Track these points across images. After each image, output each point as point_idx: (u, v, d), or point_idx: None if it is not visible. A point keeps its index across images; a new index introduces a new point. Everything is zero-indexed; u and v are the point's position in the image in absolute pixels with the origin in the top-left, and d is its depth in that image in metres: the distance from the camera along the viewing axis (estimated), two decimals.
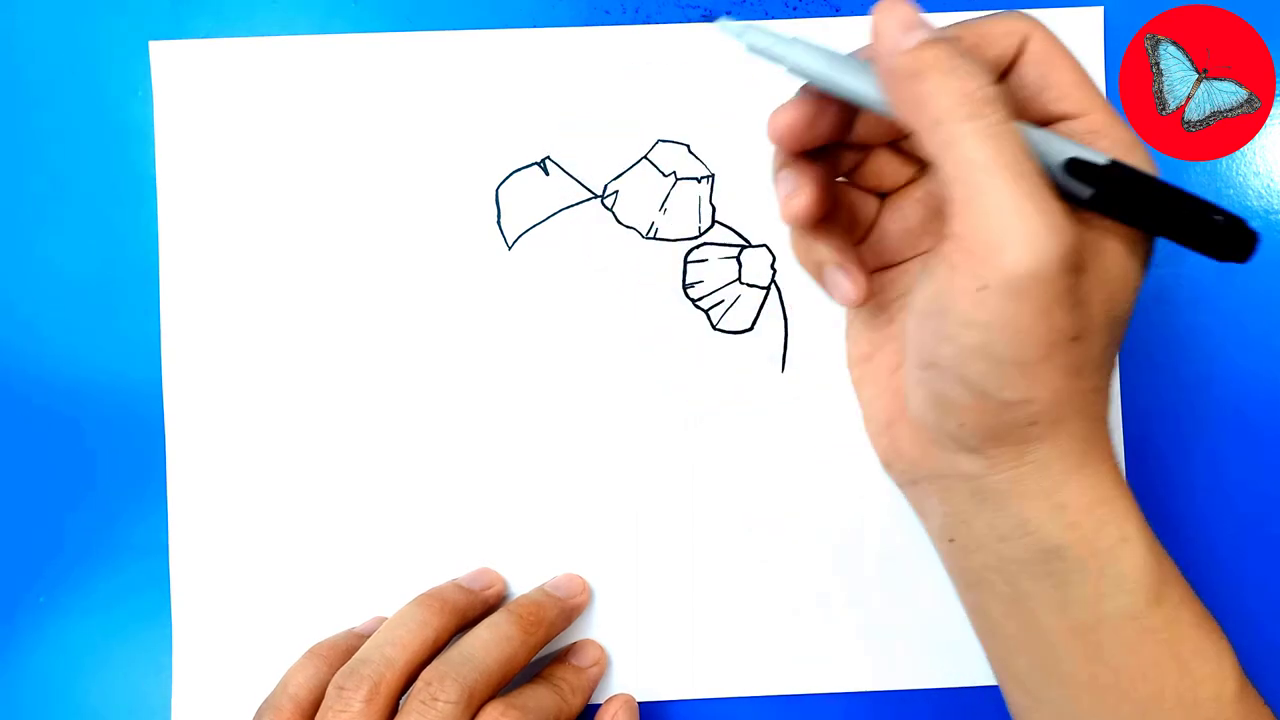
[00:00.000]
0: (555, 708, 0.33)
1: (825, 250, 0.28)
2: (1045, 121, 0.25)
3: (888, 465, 0.30)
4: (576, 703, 0.34)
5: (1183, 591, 0.27)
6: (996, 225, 0.23)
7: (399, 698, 0.32)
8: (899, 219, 0.29)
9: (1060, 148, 0.24)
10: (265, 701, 0.33)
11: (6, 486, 0.37)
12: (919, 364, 0.26)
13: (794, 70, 0.26)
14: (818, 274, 0.29)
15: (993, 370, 0.24)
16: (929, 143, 0.23)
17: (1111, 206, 0.24)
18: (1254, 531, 0.37)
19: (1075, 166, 0.24)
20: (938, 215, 0.28)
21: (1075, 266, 0.23)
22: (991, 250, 0.23)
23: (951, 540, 0.28)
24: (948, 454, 0.26)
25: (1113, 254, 0.24)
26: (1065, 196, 0.23)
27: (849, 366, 0.31)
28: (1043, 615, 0.27)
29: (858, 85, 0.25)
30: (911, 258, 0.29)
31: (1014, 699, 0.29)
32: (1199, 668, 0.26)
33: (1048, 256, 0.22)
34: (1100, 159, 0.24)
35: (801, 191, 0.26)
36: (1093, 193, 0.24)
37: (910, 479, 0.29)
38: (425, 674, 0.31)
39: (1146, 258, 0.25)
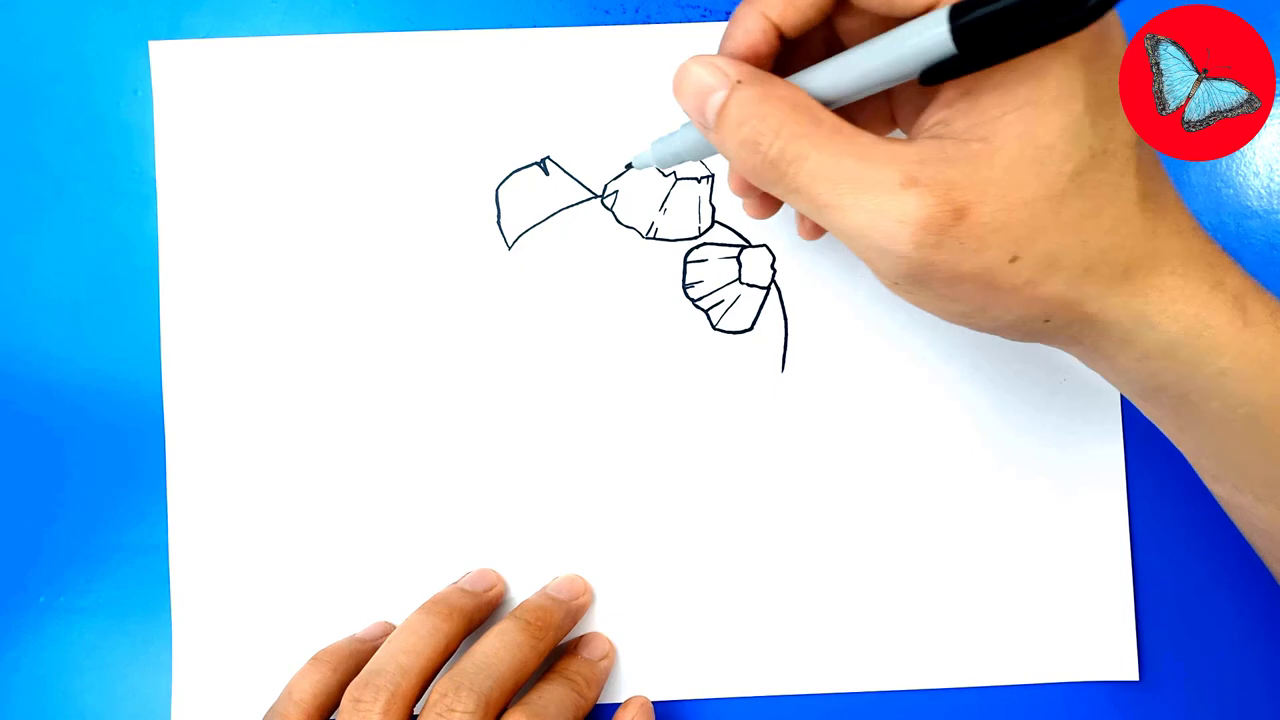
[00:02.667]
0: (574, 705, 0.33)
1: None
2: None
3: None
4: (592, 695, 0.34)
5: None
6: (859, 249, 0.25)
7: (414, 707, 0.31)
8: None
9: (907, 60, 0.24)
10: (271, 709, 0.33)
11: (6, 486, 0.37)
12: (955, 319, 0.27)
13: (691, 155, 0.30)
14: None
15: (984, 318, 0.26)
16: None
17: (981, 58, 0.23)
18: None
19: (927, 74, 0.24)
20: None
21: (939, 227, 0.24)
22: (872, 265, 0.26)
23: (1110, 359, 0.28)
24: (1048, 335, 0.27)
25: (1017, 121, 0.24)
26: (953, 72, 0.23)
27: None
28: (1183, 444, 0.29)
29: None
30: None
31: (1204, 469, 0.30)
32: None
33: (906, 254, 0.24)
34: (935, 45, 0.23)
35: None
36: (957, 64, 0.23)
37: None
38: (439, 686, 0.31)
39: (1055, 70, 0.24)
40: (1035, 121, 0.23)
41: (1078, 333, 0.26)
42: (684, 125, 0.29)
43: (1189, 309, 0.25)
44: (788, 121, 0.25)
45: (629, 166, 0.33)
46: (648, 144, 0.31)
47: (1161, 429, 0.29)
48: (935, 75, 0.23)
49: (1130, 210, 0.25)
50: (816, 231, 0.31)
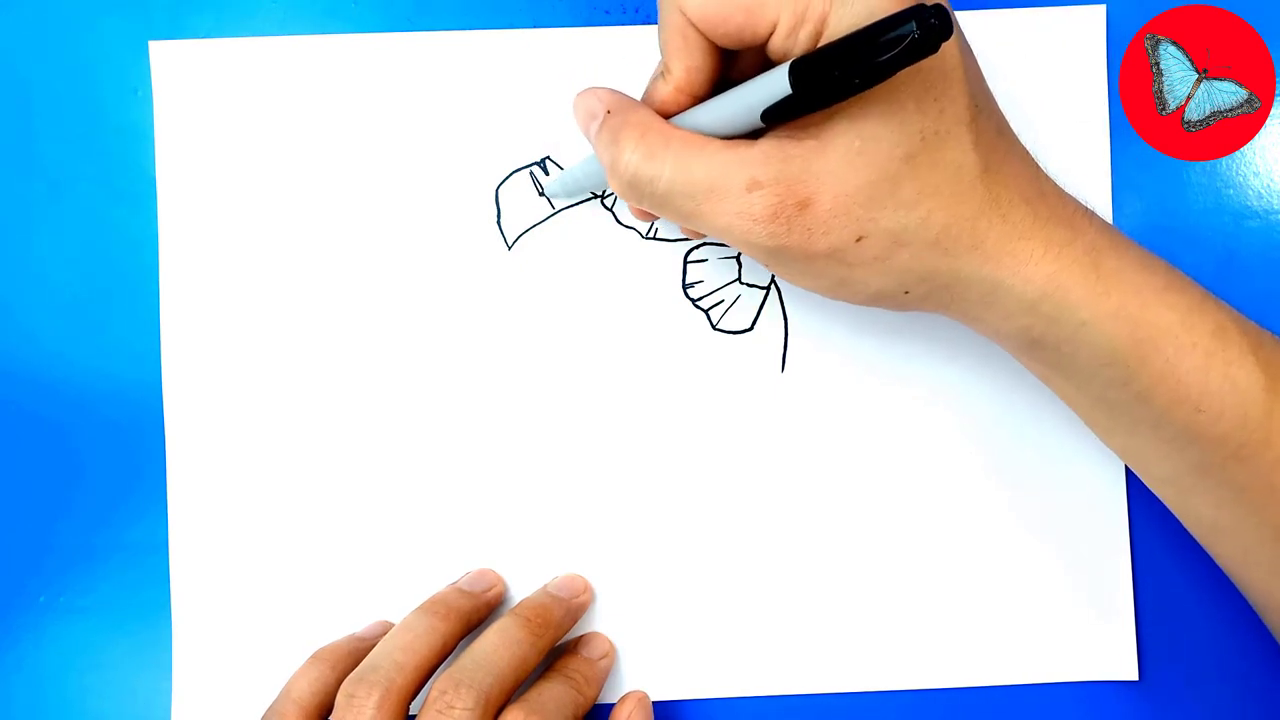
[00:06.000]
0: (573, 702, 0.33)
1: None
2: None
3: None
4: (591, 694, 0.34)
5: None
6: (728, 241, 0.28)
7: (409, 704, 0.31)
8: None
9: (754, 102, 0.26)
10: (270, 708, 0.33)
11: (6, 486, 0.37)
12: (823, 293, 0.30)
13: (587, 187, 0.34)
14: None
15: (848, 290, 0.28)
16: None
17: (820, 100, 0.25)
18: None
19: (768, 114, 0.26)
20: None
21: (786, 219, 0.26)
22: (744, 252, 0.28)
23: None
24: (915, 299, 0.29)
25: (841, 139, 0.26)
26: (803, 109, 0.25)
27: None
28: (1061, 387, 0.31)
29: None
30: None
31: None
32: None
33: (763, 244, 0.27)
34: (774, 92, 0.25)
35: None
36: (793, 106, 0.25)
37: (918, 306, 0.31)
38: (439, 682, 0.31)
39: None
40: (860, 116, 0.26)
41: (941, 300, 0.29)
42: (588, 157, 0.32)
43: (1041, 270, 0.27)
44: (640, 143, 0.28)
45: (541, 194, 0.36)
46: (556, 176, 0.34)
47: (1051, 388, 0.31)
48: (775, 115, 0.26)
49: (971, 185, 0.27)
50: (645, 214, 0.33)
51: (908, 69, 0.23)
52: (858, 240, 0.26)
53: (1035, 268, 0.27)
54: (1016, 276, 0.27)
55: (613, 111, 0.29)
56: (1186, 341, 0.28)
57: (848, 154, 0.26)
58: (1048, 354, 0.29)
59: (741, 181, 0.26)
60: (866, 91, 0.24)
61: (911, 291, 0.28)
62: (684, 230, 0.35)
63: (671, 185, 0.27)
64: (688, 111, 0.29)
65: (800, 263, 0.27)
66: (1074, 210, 0.28)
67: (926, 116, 0.26)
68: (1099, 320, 0.27)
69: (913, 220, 0.26)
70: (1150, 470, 0.32)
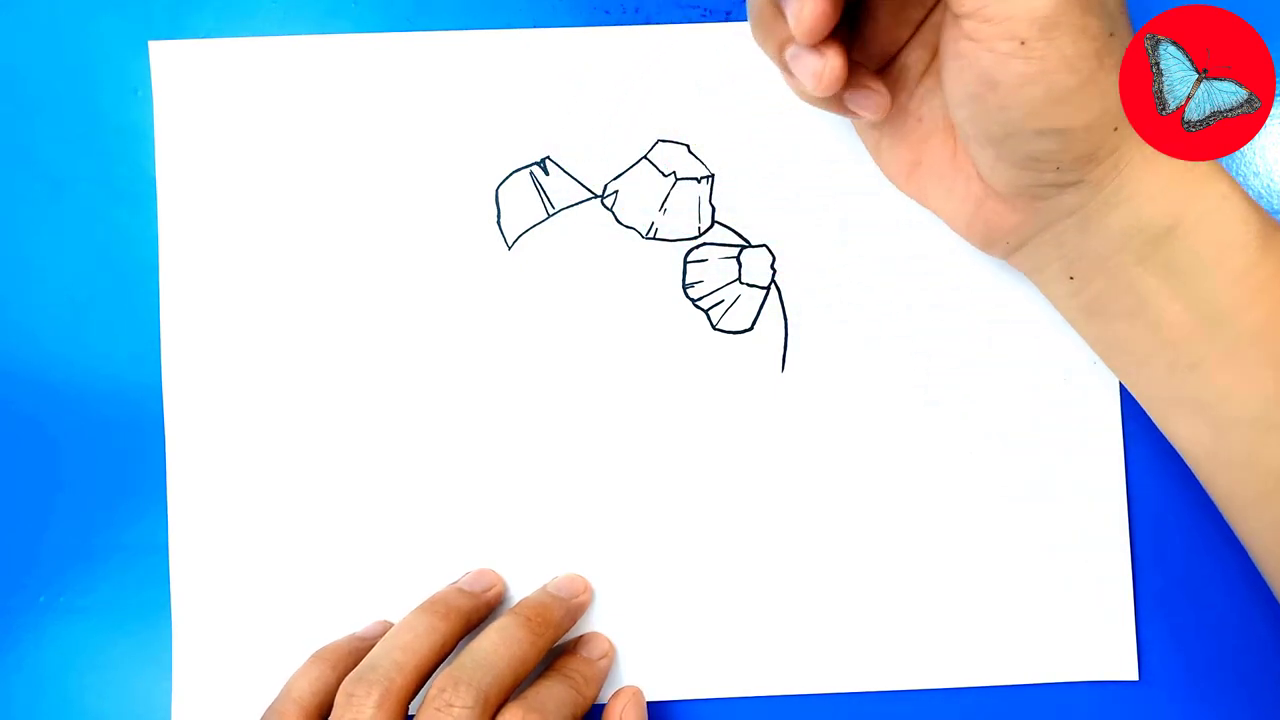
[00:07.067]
0: (573, 702, 0.33)
1: (837, 64, 0.28)
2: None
3: (989, 245, 0.32)
4: (590, 694, 0.34)
5: None
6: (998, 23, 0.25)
7: (409, 704, 0.31)
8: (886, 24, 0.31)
9: None
10: (270, 707, 0.33)
11: (6, 486, 0.37)
12: (991, 142, 0.28)
13: None
14: (841, 108, 0.30)
15: (1065, 106, 0.26)
16: None
17: None
18: None
19: None
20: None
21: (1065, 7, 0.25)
22: (1013, 6, 0.25)
23: (1071, 278, 0.31)
24: (1050, 201, 0.29)
25: None
26: None
27: (902, 185, 0.33)
28: (1163, 307, 0.29)
29: None
30: (897, 52, 0.31)
31: (1156, 411, 0.32)
32: None
33: (1044, 15, 0.25)
34: None
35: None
36: None
37: (1017, 245, 0.31)
38: (438, 681, 0.31)
39: None
40: None
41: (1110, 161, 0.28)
42: None
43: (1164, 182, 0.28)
44: None
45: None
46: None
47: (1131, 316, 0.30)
48: None
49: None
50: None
51: None
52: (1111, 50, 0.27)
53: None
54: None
55: None
56: None
57: None
58: (1174, 249, 0.29)
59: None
60: None
61: (1105, 143, 0.28)
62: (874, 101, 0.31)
63: None
64: None
65: (1071, 42, 0.26)
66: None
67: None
68: (1237, 192, 0.28)
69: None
70: (1231, 407, 0.30)
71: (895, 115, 0.32)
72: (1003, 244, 0.32)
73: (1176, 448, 0.32)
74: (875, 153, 0.34)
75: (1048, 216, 0.30)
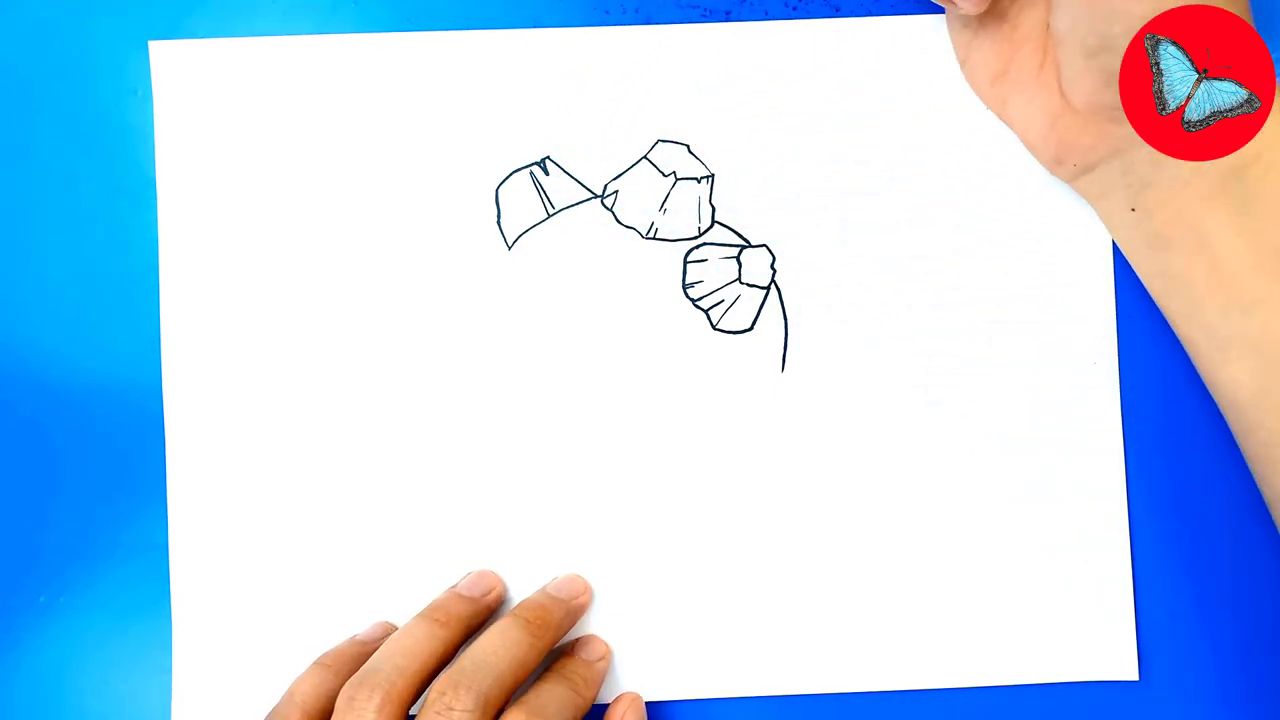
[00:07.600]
0: (573, 704, 0.33)
1: None
2: None
3: (1059, 163, 0.32)
4: (590, 695, 0.34)
5: None
6: None
7: (410, 707, 0.31)
8: None
9: None
10: (272, 710, 0.33)
11: (6, 486, 0.37)
12: (1085, 53, 0.29)
13: None
14: None
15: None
16: None
17: None
18: (1258, 524, 0.37)
19: None
20: None
21: None
22: None
23: (1133, 209, 0.31)
24: (1126, 126, 0.29)
25: None
26: None
27: (984, 92, 0.34)
28: (1227, 244, 0.29)
29: None
30: None
31: (1204, 352, 0.32)
32: None
33: None
34: None
35: None
36: None
37: (1087, 167, 0.31)
38: (438, 684, 0.31)
39: None
40: None
41: None
42: None
43: None
44: None
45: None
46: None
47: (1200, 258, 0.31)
48: None
49: None
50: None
51: None
52: None
53: None
54: None
55: None
56: None
57: None
58: (1240, 188, 0.29)
59: None
60: None
61: None
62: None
63: None
64: None
65: None
66: None
67: None
68: None
69: None
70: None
71: (991, 19, 0.33)
72: (1071, 165, 0.32)
73: (1217, 396, 0.33)
74: (964, 56, 0.35)
75: (1121, 142, 0.30)
